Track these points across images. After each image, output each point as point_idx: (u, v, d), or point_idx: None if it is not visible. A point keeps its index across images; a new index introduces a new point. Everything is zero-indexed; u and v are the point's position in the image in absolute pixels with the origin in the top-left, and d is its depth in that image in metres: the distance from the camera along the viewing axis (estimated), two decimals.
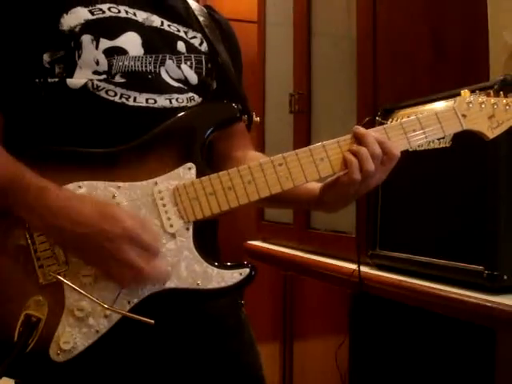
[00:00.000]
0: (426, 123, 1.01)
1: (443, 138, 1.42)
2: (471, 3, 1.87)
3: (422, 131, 1.01)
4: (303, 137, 2.16)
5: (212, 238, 1.08)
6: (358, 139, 0.97)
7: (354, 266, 1.69)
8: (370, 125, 1.56)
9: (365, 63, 1.84)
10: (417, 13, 1.85)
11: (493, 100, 1.04)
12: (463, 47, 1.86)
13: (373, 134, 0.98)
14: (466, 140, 1.37)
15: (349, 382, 1.74)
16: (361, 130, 0.98)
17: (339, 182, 0.98)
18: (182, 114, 0.98)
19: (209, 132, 0.96)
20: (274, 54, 2.52)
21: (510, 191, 1.32)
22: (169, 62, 1.01)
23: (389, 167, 0.99)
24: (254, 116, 1.05)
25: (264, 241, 2.49)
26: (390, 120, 1.63)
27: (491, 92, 1.06)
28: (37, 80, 0.94)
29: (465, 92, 1.04)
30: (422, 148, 1.51)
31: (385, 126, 1.01)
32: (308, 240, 2.15)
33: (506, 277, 1.29)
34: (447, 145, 1.45)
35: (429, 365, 1.60)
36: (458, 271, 1.39)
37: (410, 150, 1.53)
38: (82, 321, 0.88)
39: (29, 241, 0.89)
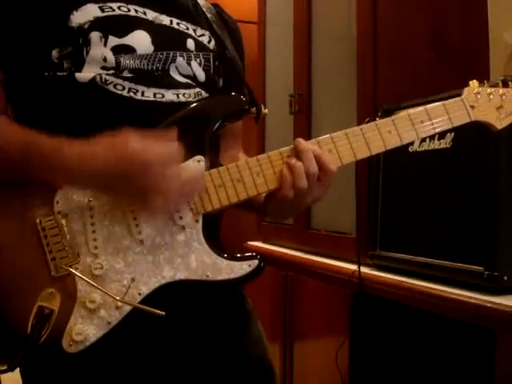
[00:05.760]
0: (434, 114, 1.00)
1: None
2: (471, 4, 1.87)
3: (429, 122, 1.00)
4: (303, 137, 2.14)
5: (217, 232, 1.08)
6: (297, 153, 0.96)
7: (354, 267, 1.69)
8: None
9: (365, 63, 1.84)
10: (417, 13, 1.85)
11: (501, 90, 1.03)
12: (463, 47, 1.86)
13: (311, 147, 0.96)
14: (466, 140, 1.38)
15: (349, 383, 1.74)
16: (301, 144, 0.96)
17: (275, 195, 0.97)
18: (191, 106, 0.98)
19: (218, 124, 0.97)
20: (274, 55, 2.52)
21: (511, 192, 1.32)
22: (179, 59, 1.02)
23: (326, 183, 0.96)
24: (263, 108, 1.05)
25: (264, 241, 2.49)
26: None
27: (499, 83, 1.04)
28: (46, 73, 0.95)
29: (473, 83, 1.02)
30: (423, 148, 1.51)
31: (393, 117, 1.00)
32: (308, 241, 2.15)
33: (506, 278, 1.29)
34: (447, 145, 1.45)
35: (429, 365, 1.60)
36: (458, 272, 1.39)
37: (411, 150, 1.55)
38: (94, 312, 0.89)
39: (41, 234, 0.90)
